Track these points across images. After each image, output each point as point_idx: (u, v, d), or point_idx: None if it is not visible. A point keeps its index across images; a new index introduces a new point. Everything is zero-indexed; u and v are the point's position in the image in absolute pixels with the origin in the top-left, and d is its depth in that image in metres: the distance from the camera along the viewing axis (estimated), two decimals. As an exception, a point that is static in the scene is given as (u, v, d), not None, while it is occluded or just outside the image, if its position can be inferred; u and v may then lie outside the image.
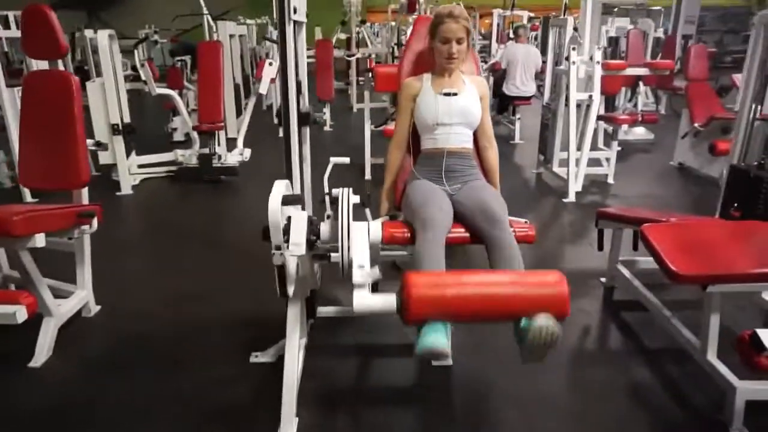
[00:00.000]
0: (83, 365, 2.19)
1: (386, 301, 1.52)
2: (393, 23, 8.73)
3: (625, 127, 5.52)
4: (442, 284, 1.44)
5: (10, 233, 1.86)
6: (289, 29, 1.79)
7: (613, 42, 6.90)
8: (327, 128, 7.33)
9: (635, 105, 6.96)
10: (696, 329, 2.13)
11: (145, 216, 4.20)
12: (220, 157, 4.89)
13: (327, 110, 7.32)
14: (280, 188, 1.67)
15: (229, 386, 2.05)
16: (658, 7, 9.13)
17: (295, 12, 1.80)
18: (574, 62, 4.08)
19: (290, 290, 1.89)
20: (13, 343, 2.25)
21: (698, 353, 2.01)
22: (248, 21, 9.90)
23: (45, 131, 2.30)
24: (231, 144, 5.51)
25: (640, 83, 6.50)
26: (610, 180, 4.76)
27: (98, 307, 2.60)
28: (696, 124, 4.71)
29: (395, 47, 7.07)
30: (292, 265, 1.71)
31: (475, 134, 2.15)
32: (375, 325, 2.42)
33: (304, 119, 2.02)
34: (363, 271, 1.61)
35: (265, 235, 1.68)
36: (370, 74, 4.58)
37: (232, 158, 4.92)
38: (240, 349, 2.25)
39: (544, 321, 1.34)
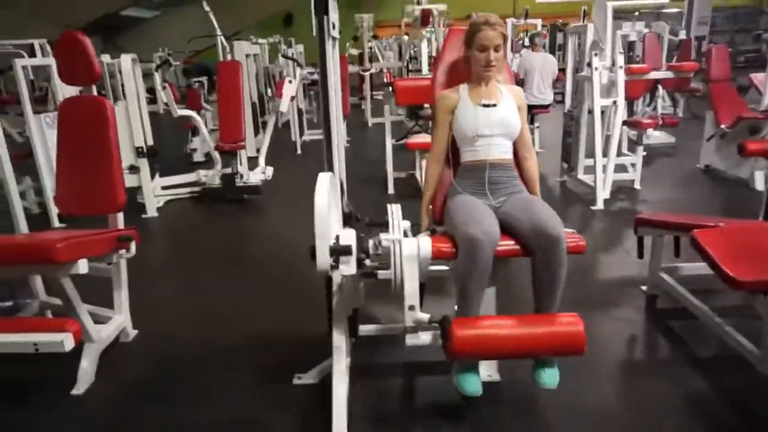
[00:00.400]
0: (126, 391, 2.17)
1: (429, 339, 1.81)
2: (405, 37, 8.79)
3: (649, 131, 5.46)
4: (484, 332, 1.66)
5: (55, 260, 1.85)
6: (329, 45, 1.78)
7: (627, 46, 6.86)
8: (344, 144, 7.33)
9: (654, 109, 6.89)
10: (749, 336, 2.07)
11: (172, 238, 4.21)
12: (242, 177, 4.90)
13: (344, 126, 7.33)
14: (323, 206, 1.63)
15: (275, 410, 2.01)
16: (671, 10, 9.09)
17: (333, 27, 1.80)
18: (596, 68, 4.05)
19: (337, 308, 1.87)
20: (53, 371, 2.24)
21: (759, 362, 1.94)
22: (260, 40, 10.02)
23: (81, 156, 2.31)
24: (251, 163, 5.54)
25: (659, 87, 6.44)
26: (637, 185, 4.70)
27: (135, 332, 2.59)
28: (723, 126, 4.64)
29: (409, 61, 7.09)
30: (338, 282, 1.69)
31: (514, 145, 2.11)
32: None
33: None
34: (414, 313, 1.72)
35: (312, 254, 1.66)
36: (390, 88, 4.57)
37: (255, 177, 4.93)
38: (280, 371, 2.21)
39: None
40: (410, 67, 7.22)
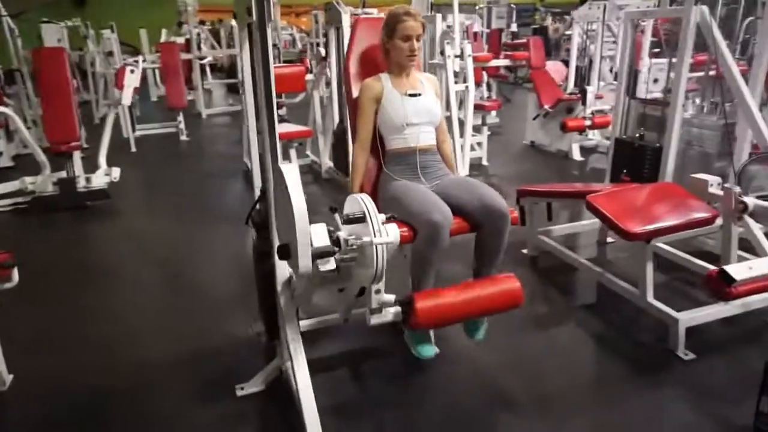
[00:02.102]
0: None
1: (394, 314, 1.84)
2: (233, 22, 8.37)
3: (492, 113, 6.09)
4: (442, 302, 1.78)
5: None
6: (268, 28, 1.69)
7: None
8: (183, 138, 6.80)
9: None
10: (625, 279, 2.53)
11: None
12: (84, 180, 4.27)
13: (181, 119, 6.78)
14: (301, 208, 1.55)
15: (232, 428, 1.88)
16: (482, 5, 10.14)
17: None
18: (449, 56, 4.40)
19: (287, 304, 1.83)
20: None
21: (637, 298, 2.39)
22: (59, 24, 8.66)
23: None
24: (86, 164, 4.84)
25: (484, 74, 7.19)
26: (485, 162, 5.25)
27: (11, 377, 2.15)
28: (546, 106, 5.41)
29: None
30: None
31: (433, 129, 2.24)
32: (351, 331, 2.40)
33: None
34: (380, 296, 1.78)
35: (282, 253, 1.58)
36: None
37: (99, 180, 4.32)
38: (214, 388, 2.06)
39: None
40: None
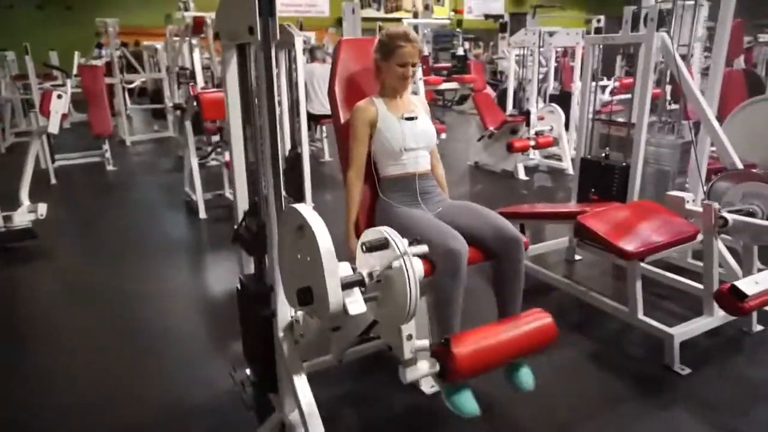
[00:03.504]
0: None
1: (430, 368, 1.63)
2: (158, 45, 7.98)
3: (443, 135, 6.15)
4: (481, 347, 1.62)
5: None
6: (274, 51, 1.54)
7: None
8: (110, 167, 6.28)
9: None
10: (611, 298, 2.56)
11: None
12: (4, 219, 3.77)
13: (107, 147, 6.27)
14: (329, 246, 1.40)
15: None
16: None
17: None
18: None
19: (292, 356, 1.64)
20: None
21: (627, 315, 2.42)
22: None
23: None
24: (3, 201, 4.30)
25: (422, 96, 7.29)
26: (437, 184, 5.26)
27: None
28: (491, 128, 5.53)
29: (182, 72, 6.45)
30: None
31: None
32: (344, 372, 2.23)
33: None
34: (412, 342, 1.60)
35: (306, 299, 1.41)
36: (195, 102, 4.11)
37: (21, 218, 3.83)
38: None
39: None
40: (180, 79, 6.58)
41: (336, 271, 1.36)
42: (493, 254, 1.84)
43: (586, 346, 2.44)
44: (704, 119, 2.59)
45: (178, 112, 6.44)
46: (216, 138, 5.48)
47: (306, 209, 1.45)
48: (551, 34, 6.06)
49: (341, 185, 2.10)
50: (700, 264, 2.92)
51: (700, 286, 2.61)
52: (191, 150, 4.46)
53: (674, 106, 3.58)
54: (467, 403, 1.71)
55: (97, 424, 2.01)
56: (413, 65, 2.00)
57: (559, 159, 5.92)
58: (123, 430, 1.98)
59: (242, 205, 1.90)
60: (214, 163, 5.40)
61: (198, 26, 5.93)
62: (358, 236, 2.04)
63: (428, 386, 2.15)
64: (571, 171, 5.74)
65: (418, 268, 1.59)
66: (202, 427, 1.98)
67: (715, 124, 2.56)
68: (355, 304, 1.40)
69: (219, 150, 4.84)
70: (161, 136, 8.36)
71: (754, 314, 2.48)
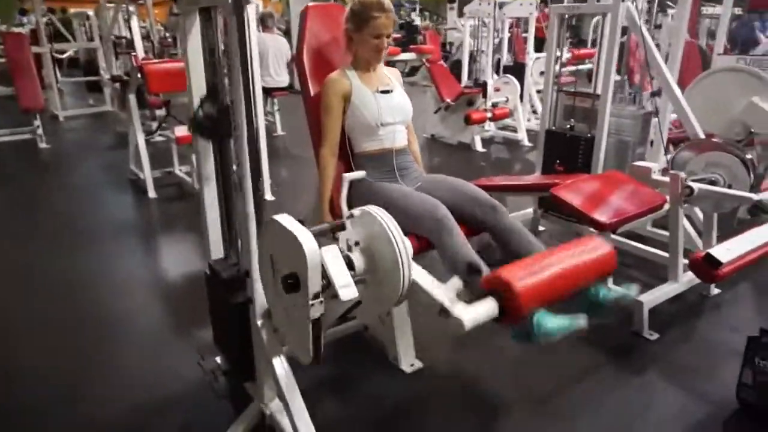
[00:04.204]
0: None
1: (489, 308, 1.35)
2: (90, 12, 7.39)
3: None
4: (534, 272, 1.38)
5: None
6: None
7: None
8: (43, 145, 5.82)
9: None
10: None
11: None
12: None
13: (38, 123, 5.80)
14: (291, 223, 1.31)
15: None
16: None
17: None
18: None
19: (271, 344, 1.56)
20: None
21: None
22: None
23: None
24: None
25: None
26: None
27: None
28: (448, 100, 5.48)
29: (119, 41, 6.01)
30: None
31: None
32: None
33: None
34: (444, 287, 1.39)
35: (292, 285, 1.32)
36: (139, 74, 3.83)
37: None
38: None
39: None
40: (117, 49, 6.13)
41: (310, 235, 1.27)
42: (480, 227, 1.80)
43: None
44: (668, 90, 2.63)
45: (117, 85, 6.03)
46: (161, 112, 5.18)
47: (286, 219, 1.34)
48: (501, 5, 6.02)
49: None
50: (660, 232, 3.03)
51: (663, 254, 2.70)
52: (136, 125, 4.17)
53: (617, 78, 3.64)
54: (551, 321, 1.49)
55: (54, 429, 1.86)
56: (388, 36, 1.90)
57: (514, 130, 5.96)
58: None
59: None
60: (159, 138, 5.10)
61: (136, -9, 5.52)
62: (333, 215, 1.96)
63: (408, 365, 2.12)
64: (526, 142, 5.81)
65: (408, 246, 1.52)
66: (175, 422, 1.87)
67: (679, 94, 2.60)
68: (347, 289, 1.33)
69: (165, 125, 4.56)
70: (98, 110, 7.84)
71: (713, 279, 2.59)
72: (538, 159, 3.24)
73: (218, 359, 2.12)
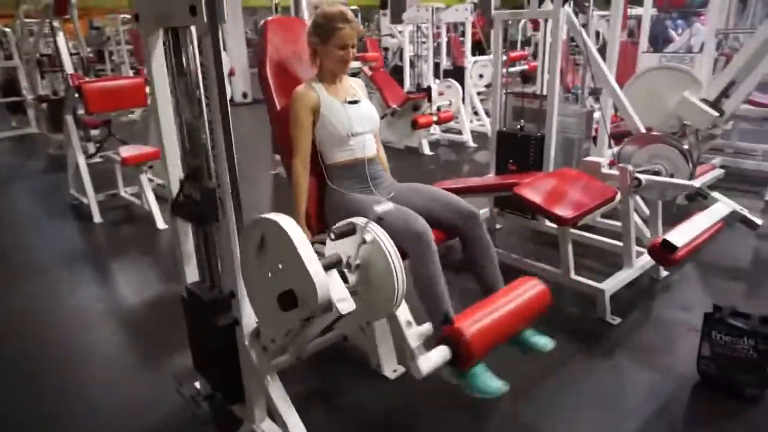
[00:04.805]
0: None
1: (443, 355, 1.52)
2: (7, 29, 6.94)
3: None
4: (484, 323, 1.55)
5: None
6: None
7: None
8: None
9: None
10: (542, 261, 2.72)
11: None
12: None
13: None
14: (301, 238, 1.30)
15: None
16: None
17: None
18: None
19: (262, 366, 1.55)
20: None
21: (560, 276, 2.58)
22: None
23: None
24: None
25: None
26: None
27: None
28: (394, 105, 5.55)
29: (42, 59, 5.68)
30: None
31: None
32: (303, 368, 2.15)
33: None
34: (414, 329, 1.54)
35: (289, 302, 1.32)
36: (77, 94, 3.65)
37: None
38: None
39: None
40: (42, 68, 5.78)
41: (314, 257, 1.28)
42: (455, 233, 1.86)
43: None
44: (609, 88, 2.80)
45: (44, 106, 5.70)
46: (95, 132, 4.95)
47: (285, 218, 1.34)
48: (438, 10, 6.17)
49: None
50: (609, 222, 3.21)
51: (614, 243, 2.88)
52: (76, 147, 3.97)
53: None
54: (491, 382, 1.63)
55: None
56: (353, 47, 1.93)
57: (459, 133, 6.13)
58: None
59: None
60: (97, 160, 4.86)
61: (61, 6, 5.22)
62: (310, 229, 1.96)
63: (391, 371, 2.14)
64: (471, 143, 5.99)
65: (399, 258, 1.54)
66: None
67: (619, 92, 2.79)
68: (345, 303, 1.34)
69: (98, 145, 4.34)
70: (22, 132, 7.38)
71: (661, 262, 2.78)
72: (491, 159, 3.36)
73: (197, 384, 2.07)
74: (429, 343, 1.59)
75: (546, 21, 3.23)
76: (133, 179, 4.16)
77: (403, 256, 1.76)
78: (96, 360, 2.35)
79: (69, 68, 5.20)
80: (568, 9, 2.78)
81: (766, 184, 4.02)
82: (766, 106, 4.33)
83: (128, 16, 9.07)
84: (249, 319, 1.63)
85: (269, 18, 2.09)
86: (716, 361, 1.97)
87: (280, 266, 1.36)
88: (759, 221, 2.25)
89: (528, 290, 1.70)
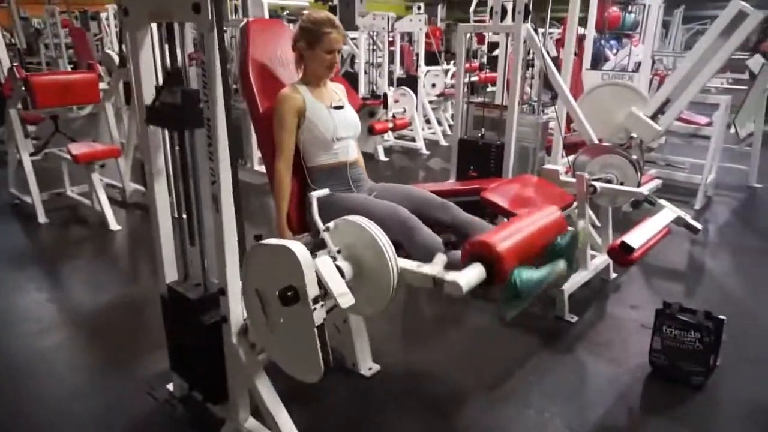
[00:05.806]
0: None
1: (478, 272, 1.43)
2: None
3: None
4: (511, 235, 1.53)
5: None
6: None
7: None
8: None
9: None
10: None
11: None
12: None
13: None
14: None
15: None
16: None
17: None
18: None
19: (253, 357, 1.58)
20: None
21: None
22: None
23: None
24: None
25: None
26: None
27: None
28: (350, 112, 5.60)
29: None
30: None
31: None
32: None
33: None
34: (437, 257, 1.50)
35: (290, 297, 1.35)
36: (23, 87, 3.46)
37: None
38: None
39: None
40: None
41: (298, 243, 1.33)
42: (440, 227, 1.92)
43: (493, 310, 2.69)
44: (565, 101, 2.99)
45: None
46: (32, 128, 4.71)
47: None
48: (390, 18, 6.27)
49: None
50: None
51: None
52: (20, 143, 3.76)
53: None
54: (534, 274, 1.48)
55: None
56: (339, 51, 1.98)
57: (412, 140, 6.27)
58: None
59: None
60: (39, 158, 4.61)
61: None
62: (291, 229, 1.99)
63: (366, 369, 2.19)
64: (425, 150, 6.14)
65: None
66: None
67: (575, 105, 2.98)
68: (345, 296, 1.38)
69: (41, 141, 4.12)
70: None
71: (611, 264, 2.99)
72: (452, 166, 3.48)
73: (170, 387, 2.04)
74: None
75: (508, 35, 3.41)
76: (80, 178, 3.99)
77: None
78: (57, 365, 2.25)
79: (5, 61, 4.92)
80: (528, 25, 2.95)
81: (695, 194, 4.38)
82: (694, 123, 4.73)
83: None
84: (237, 316, 1.63)
85: (251, 18, 2.10)
86: (666, 353, 2.15)
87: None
88: (699, 226, 2.48)
89: (549, 214, 1.71)
